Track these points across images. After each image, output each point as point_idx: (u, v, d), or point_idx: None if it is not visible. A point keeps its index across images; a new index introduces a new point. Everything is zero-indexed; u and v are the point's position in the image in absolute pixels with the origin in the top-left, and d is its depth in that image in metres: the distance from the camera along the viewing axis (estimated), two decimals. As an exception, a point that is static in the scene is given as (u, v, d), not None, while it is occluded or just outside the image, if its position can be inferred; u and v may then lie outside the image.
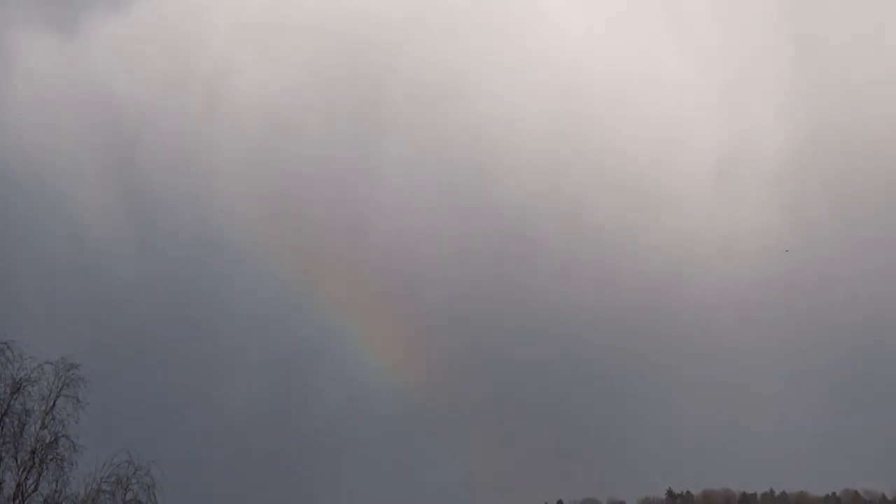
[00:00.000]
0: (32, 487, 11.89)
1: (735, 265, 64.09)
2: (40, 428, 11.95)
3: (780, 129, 70.49)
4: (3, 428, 11.78)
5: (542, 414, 58.91)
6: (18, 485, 11.73)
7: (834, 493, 55.02)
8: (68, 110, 67.85)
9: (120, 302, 53.73)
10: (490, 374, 61.33)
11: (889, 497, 51.94)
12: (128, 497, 12.08)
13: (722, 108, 74.04)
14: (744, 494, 54.25)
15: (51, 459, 11.94)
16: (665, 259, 64.34)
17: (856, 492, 53.95)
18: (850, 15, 72.37)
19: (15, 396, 12.00)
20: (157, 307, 54.99)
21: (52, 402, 12.07)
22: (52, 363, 12.19)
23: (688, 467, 54.77)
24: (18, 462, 11.82)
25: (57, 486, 11.86)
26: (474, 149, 65.79)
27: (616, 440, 57.26)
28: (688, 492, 54.68)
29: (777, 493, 54.45)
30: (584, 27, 73.19)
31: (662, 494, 54.07)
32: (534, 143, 66.84)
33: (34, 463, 11.86)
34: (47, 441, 11.91)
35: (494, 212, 64.70)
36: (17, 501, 11.75)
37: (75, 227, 60.75)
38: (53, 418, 12.04)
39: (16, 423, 11.92)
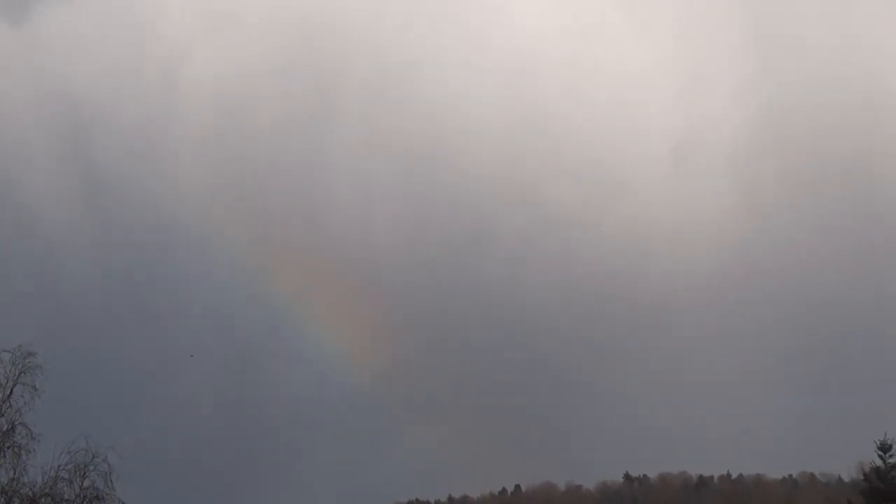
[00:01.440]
0: (-10, 475, 11.99)
1: (691, 252, 64.75)
2: (-2, 416, 12.06)
3: (735, 115, 71.13)
4: (-41, 416, 11.88)
5: (500, 401, 59.28)
6: (-25, 472, 11.83)
7: (791, 476, 55.62)
8: (21, 99, 67.47)
9: (76, 292, 53.64)
10: (448, 361, 61.69)
11: (845, 479, 52.58)
12: (85, 484, 12.18)
13: (677, 93, 74.64)
14: (700, 477, 54.71)
15: (7, 447, 12.01)
16: (621, 246, 64.90)
17: (812, 474, 54.57)
18: (808, -1, 73.13)
19: (-28, 386, 12.09)
20: (113, 297, 54.97)
21: (8, 390, 12.14)
22: (8, 351, 12.27)
23: (645, 452, 55.28)
24: (-25, 451, 11.91)
25: (14, 473, 11.94)
26: (429, 136, 66.09)
27: (573, 426, 57.76)
28: (645, 475, 55.15)
29: (734, 475, 55.05)
30: (538, 14, 73.62)
31: (620, 478, 54.59)
32: (489, 130, 67.22)
33: (-9, 451, 11.96)
34: (4, 429, 11.98)
35: (449, 199, 65.04)
36: (-26, 489, 11.84)
37: (30, 216, 60.49)
38: (10, 406, 12.12)
39: (-27, 411, 12.02)
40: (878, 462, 20.99)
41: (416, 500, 55.23)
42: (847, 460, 50.94)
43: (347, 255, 63.64)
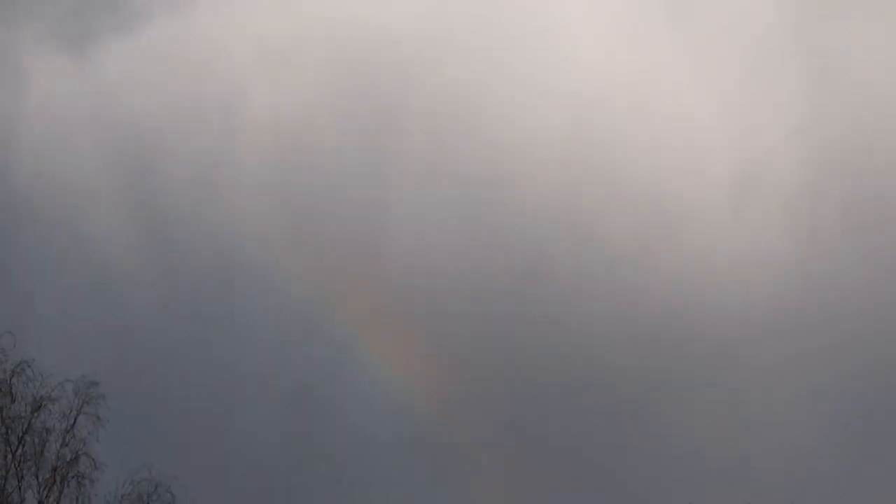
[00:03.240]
0: (54, 505, 11.94)
1: (750, 287, 63.86)
2: (61, 446, 12.00)
3: (794, 153, 70.24)
4: (24, 446, 11.83)
5: (559, 437, 58.51)
6: (40, 503, 11.77)
7: (855, 510, 54.56)
8: (82, 131, 68.14)
9: (138, 322, 53.70)
10: (505, 396, 60.96)
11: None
12: (149, 514, 12.13)
13: (735, 132, 73.88)
14: (768, 514, 53.76)
15: (71, 477, 11.96)
16: (680, 279, 64.12)
17: (878, 509, 53.56)
18: (869, 31, 72.04)
19: (35, 414, 12.04)
20: (175, 328, 54.90)
21: (72, 420, 12.11)
22: (72, 381, 12.24)
23: (710, 488, 54.34)
24: (39, 480, 11.85)
25: (79, 503, 11.90)
26: (487, 164, 65.72)
27: (635, 462, 56.70)
28: (710, 512, 54.23)
29: (798, 510, 53.97)
30: (599, 55, 73.17)
31: (688, 518, 53.58)
32: (547, 171, 66.75)
33: (55, 481, 11.88)
34: (68, 459, 11.95)
35: (507, 228, 64.56)
36: (38, 520, 11.78)
37: (93, 247, 60.80)
38: (74, 436, 12.09)
39: (36, 441, 11.97)
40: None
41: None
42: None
43: (407, 286, 63.29)
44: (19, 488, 11.69)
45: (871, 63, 70.41)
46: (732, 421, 58.14)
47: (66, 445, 12.10)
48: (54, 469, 12.00)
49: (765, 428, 57.66)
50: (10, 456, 11.69)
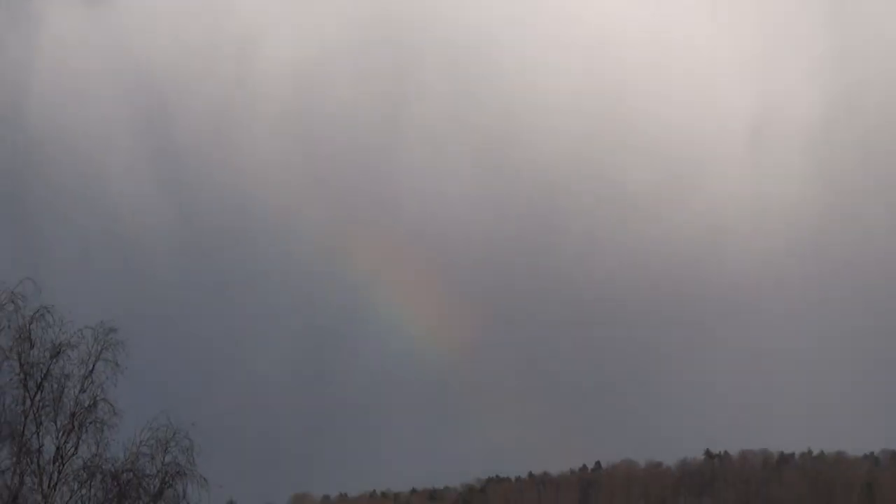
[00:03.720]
0: (72, 451, 11.94)
1: (768, 229, 63.82)
2: (79, 392, 12.01)
3: (813, 89, 69.87)
4: (42, 392, 11.86)
5: (579, 378, 59.01)
6: (58, 448, 11.80)
7: (872, 453, 54.97)
8: (99, 77, 68.16)
9: (156, 269, 54.14)
10: (525, 339, 61.35)
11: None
12: (167, 459, 12.14)
13: (754, 70, 73.41)
14: (781, 454, 54.19)
15: (90, 423, 11.99)
16: (698, 223, 64.12)
17: (894, 451, 53.82)
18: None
19: (54, 360, 12.05)
20: (192, 275, 55.38)
21: (91, 367, 12.11)
22: (91, 327, 12.23)
23: (725, 428, 54.83)
24: (58, 426, 11.89)
25: (97, 449, 11.91)
26: (504, 114, 65.63)
27: (653, 403, 57.40)
28: (726, 452, 54.73)
29: (815, 453, 54.40)
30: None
31: (700, 455, 54.14)
32: (564, 106, 66.58)
33: (73, 426, 11.92)
34: (86, 405, 11.96)
35: (524, 175, 64.55)
36: (56, 465, 11.83)
37: (110, 194, 61.17)
38: (92, 382, 12.09)
39: (55, 387, 11.98)
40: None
41: (496, 476, 55.24)
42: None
43: (424, 232, 63.52)
44: (38, 434, 11.75)
45: (890, 5, 69.85)
46: (748, 363, 58.31)
47: (85, 391, 12.12)
48: (73, 415, 12.02)
49: (781, 370, 57.87)
50: (28, 401, 11.73)
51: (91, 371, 12.60)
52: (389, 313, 53.81)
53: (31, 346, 12.32)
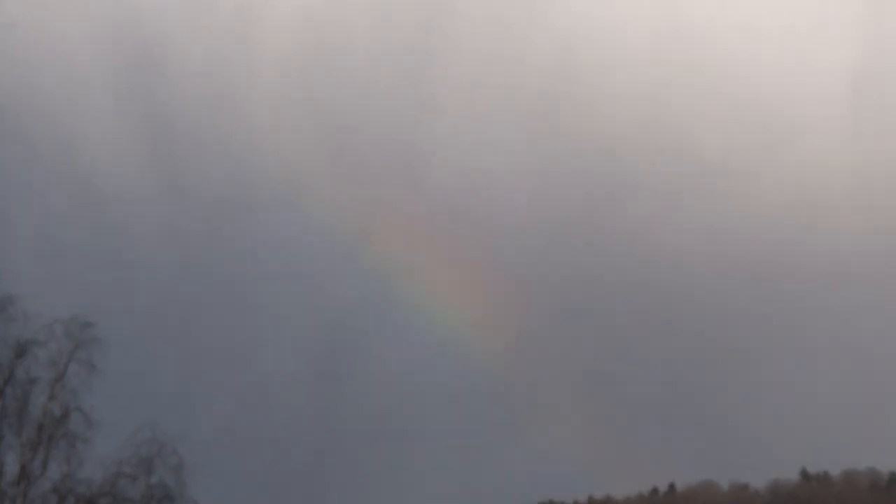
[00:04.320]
0: (39, 470, 11.93)
1: (868, 205, 63.00)
2: (49, 399, 11.99)
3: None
4: (4, 399, 11.84)
5: (647, 382, 58.40)
6: (23, 467, 11.79)
7: None
8: (79, 31, 68.13)
9: (140, 253, 54.11)
10: (583, 335, 60.80)
11: None
12: (152, 480, 12.11)
13: (854, 18, 72.69)
14: (892, 475, 53.76)
15: (61, 437, 11.98)
16: (787, 199, 63.41)
17: None
18: None
19: (19, 361, 12.04)
20: (183, 260, 55.31)
21: (62, 369, 12.09)
22: (62, 322, 12.19)
23: (825, 444, 54.45)
24: (23, 440, 11.87)
25: (69, 468, 11.89)
26: (556, 71, 65.06)
27: (738, 414, 56.79)
28: (826, 472, 54.28)
29: (933, 472, 53.97)
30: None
31: (795, 475, 53.75)
32: (628, 64, 66.07)
33: (41, 441, 11.91)
34: (56, 415, 11.95)
35: (581, 147, 64.14)
36: (21, 486, 11.80)
37: (87, 165, 61.10)
38: (64, 387, 12.09)
39: (19, 393, 11.97)
40: None
41: (549, 501, 54.83)
42: None
43: (458, 213, 63.02)
44: (-3, 450, 11.76)
45: None
46: (852, 367, 57.65)
47: (55, 398, 12.08)
48: (40, 427, 11.99)
49: (891, 376, 57.22)
50: (-13, 411, 11.73)
51: (62, 374, 12.55)
52: (418, 306, 53.50)
53: (-10, 344, 12.33)
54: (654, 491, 56.72)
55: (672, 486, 56.69)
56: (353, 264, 53.64)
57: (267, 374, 49.18)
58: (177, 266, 53.76)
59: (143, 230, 55.95)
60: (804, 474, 55.29)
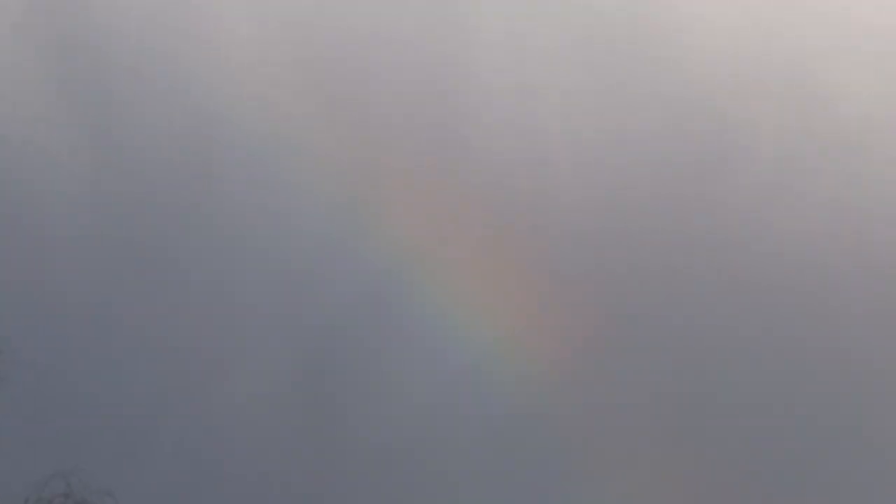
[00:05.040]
0: None
1: None
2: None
3: None
4: None
5: (750, 414, 57.97)
6: None
7: None
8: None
9: (58, 233, 54.10)
10: (665, 348, 60.40)
11: None
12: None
13: None
14: None
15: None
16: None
17: None
18: None
19: None
20: (117, 240, 55.38)
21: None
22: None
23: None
24: None
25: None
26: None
27: (873, 456, 56.67)
28: None
29: None
30: None
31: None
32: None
33: None
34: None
35: (665, 90, 64.15)
36: None
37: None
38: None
39: None
40: None
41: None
42: None
43: (503, 179, 62.63)
44: None
45: None
46: None
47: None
48: None
49: None
50: None
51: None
52: (441, 311, 53.29)
53: None
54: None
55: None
56: (354, 254, 53.52)
57: (235, 399, 49.28)
58: (106, 249, 53.94)
59: (60, 203, 56.02)
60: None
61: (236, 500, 44.39)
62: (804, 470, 53.18)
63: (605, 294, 60.02)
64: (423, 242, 53.73)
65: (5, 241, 51.08)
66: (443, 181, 58.67)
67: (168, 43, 62.19)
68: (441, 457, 55.01)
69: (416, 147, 61.51)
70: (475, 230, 55.20)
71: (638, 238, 62.04)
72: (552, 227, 61.30)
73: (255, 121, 60.05)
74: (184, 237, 58.27)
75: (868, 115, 61.90)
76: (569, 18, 65.45)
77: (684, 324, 60.44)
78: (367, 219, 53.95)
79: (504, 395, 53.22)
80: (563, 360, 55.29)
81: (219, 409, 48.88)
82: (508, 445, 56.99)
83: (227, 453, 47.03)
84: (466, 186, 58.53)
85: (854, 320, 57.69)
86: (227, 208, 58.62)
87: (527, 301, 54.29)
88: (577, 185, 61.71)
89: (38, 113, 58.65)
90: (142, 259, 55.97)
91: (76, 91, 61.94)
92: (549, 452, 56.05)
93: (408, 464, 52.88)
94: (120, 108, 61.77)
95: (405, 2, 64.60)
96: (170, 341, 51.59)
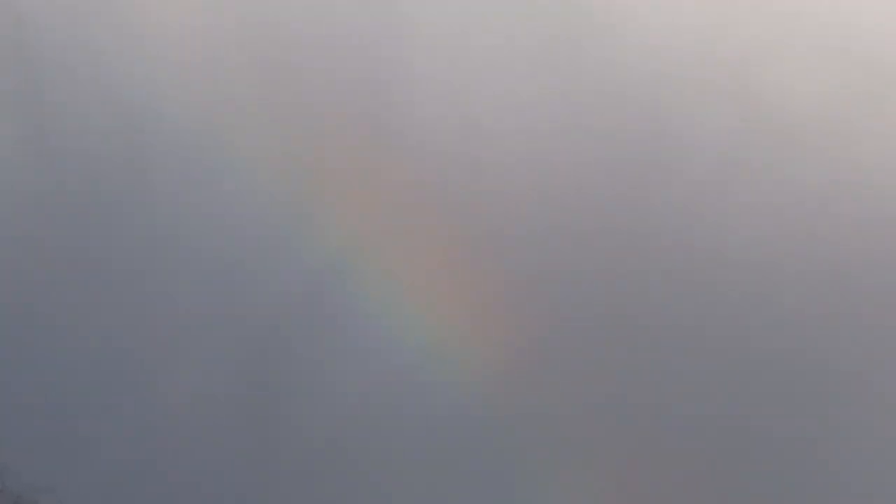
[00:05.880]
0: None
1: None
2: None
3: None
4: None
5: (716, 416, 57.89)
6: None
7: None
8: None
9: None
10: (622, 343, 60.32)
11: None
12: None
13: None
14: None
15: None
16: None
17: None
18: None
19: None
20: (52, 239, 55.13)
21: None
22: None
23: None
24: None
25: None
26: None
27: (852, 463, 56.65)
28: None
29: None
30: None
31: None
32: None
33: None
34: None
35: (618, 79, 64.27)
36: None
37: None
38: None
39: None
40: None
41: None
42: None
43: (444, 164, 62.62)
44: None
45: None
46: None
47: None
48: None
49: None
50: None
51: None
52: (384, 303, 53.26)
53: None
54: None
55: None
56: (293, 252, 53.39)
57: (170, 398, 49.10)
58: (42, 246, 53.75)
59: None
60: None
61: (174, 498, 44.31)
62: (783, 471, 53.44)
63: (550, 294, 60.14)
64: (362, 240, 53.74)
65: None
66: (382, 179, 58.74)
67: (98, 39, 62.00)
68: (380, 449, 55.06)
69: (354, 144, 61.52)
70: (415, 228, 55.29)
71: (582, 238, 62.27)
72: (494, 225, 61.45)
73: (190, 117, 59.91)
74: (119, 235, 58.18)
75: (813, 115, 62.28)
76: (511, 17, 65.65)
77: (628, 323, 60.70)
78: (304, 217, 53.92)
79: (444, 396, 53.25)
80: (505, 361, 55.35)
81: (156, 408, 48.82)
82: (448, 446, 57.02)
83: (164, 452, 46.97)
84: (406, 184, 58.61)
85: (798, 320, 58.06)
86: (163, 206, 58.47)
87: (469, 300, 54.32)
88: (516, 183, 61.84)
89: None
90: (76, 258, 55.85)
91: (4, 90, 61.69)
92: (494, 450, 56.14)
93: (347, 463, 52.87)
94: (51, 108, 61.62)
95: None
96: (106, 340, 51.55)
